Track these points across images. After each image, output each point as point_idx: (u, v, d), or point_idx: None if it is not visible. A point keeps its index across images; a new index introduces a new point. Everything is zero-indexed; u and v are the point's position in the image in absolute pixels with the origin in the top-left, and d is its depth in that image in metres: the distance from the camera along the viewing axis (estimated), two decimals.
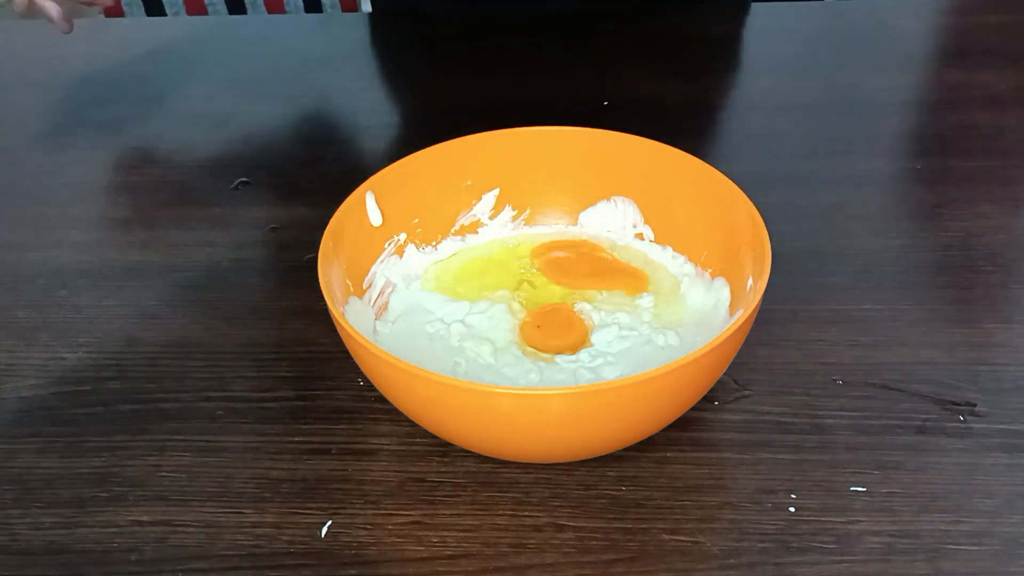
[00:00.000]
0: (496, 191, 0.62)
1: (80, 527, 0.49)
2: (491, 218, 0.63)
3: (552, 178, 0.62)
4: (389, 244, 0.59)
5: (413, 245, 0.60)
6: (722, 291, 0.56)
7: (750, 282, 0.52)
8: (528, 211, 0.63)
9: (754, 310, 0.46)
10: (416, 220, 0.60)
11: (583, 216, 0.63)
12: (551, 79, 0.87)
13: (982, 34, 0.93)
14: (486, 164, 0.61)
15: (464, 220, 0.62)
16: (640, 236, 0.62)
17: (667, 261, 0.60)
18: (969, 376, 0.55)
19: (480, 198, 0.62)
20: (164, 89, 0.90)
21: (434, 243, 0.62)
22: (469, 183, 0.62)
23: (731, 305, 0.55)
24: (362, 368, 0.49)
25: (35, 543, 0.49)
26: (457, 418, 0.47)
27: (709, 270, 0.58)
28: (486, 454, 0.51)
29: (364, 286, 0.57)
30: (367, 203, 0.57)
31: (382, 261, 0.59)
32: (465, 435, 0.49)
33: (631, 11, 0.94)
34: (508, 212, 0.63)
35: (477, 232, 0.63)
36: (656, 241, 0.61)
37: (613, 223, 0.63)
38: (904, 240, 0.67)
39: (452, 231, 0.62)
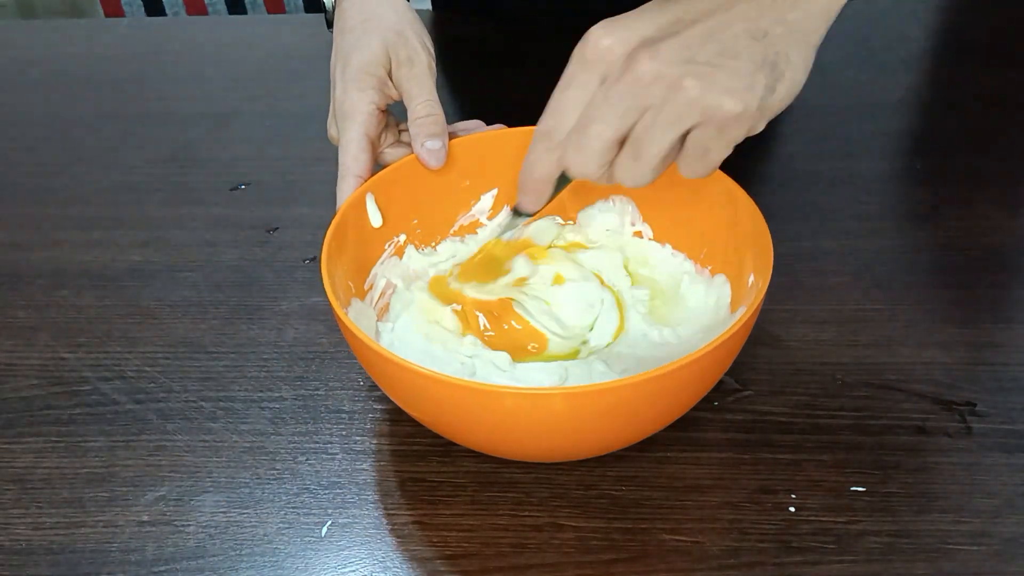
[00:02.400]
0: (495, 191, 0.62)
1: (80, 527, 0.50)
2: (489, 218, 0.63)
3: None
4: (389, 245, 0.59)
5: (413, 246, 0.60)
6: (723, 288, 0.56)
7: (751, 279, 0.52)
8: None
9: (757, 307, 0.46)
10: (415, 221, 0.60)
11: (581, 215, 0.63)
12: (551, 79, 0.87)
13: (982, 34, 0.93)
14: (484, 165, 0.61)
15: (463, 221, 0.62)
16: (639, 234, 0.62)
17: (666, 259, 0.61)
18: (969, 376, 0.55)
19: (479, 199, 0.62)
20: (164, 89, 0.90)
21: (433, 244, 0.61)
22: (467, 184, 0.61)
23: (732, 302, 0.55)
24: (367, 368, 0.49)
25: (35, 543, 0.49)
26: (459, 417, 0.47)
27: (709, 267, 0.58)
28: (490, 453, 0.51)
29: (365, 287, 0.57)
30: (367, 205, 0.57)
31: (382, 262, 0.58)
32: (467, 434, 0.49)
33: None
34: (507, 212, 0.63)
35: (476, 232, 0.63)
36: (655, 239, 0.61)
37: (612, 222, 0.63)
38: (904, 240, 0.67)
39: (451, 232, 0.62)
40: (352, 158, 0.56)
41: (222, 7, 1.68)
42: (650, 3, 0.45)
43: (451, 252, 0.62)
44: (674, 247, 0.61)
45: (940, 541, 0.47)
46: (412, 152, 0.58)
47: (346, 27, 0.61)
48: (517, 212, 0.52)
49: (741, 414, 0.54)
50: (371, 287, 0.57)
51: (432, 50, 0.61)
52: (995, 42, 0.91)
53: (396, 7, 0.62)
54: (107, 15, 1.69)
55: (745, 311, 0.46)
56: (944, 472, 0.50)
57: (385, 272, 0.58)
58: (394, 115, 0.61)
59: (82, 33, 1.05)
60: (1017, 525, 0.47)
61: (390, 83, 0.59)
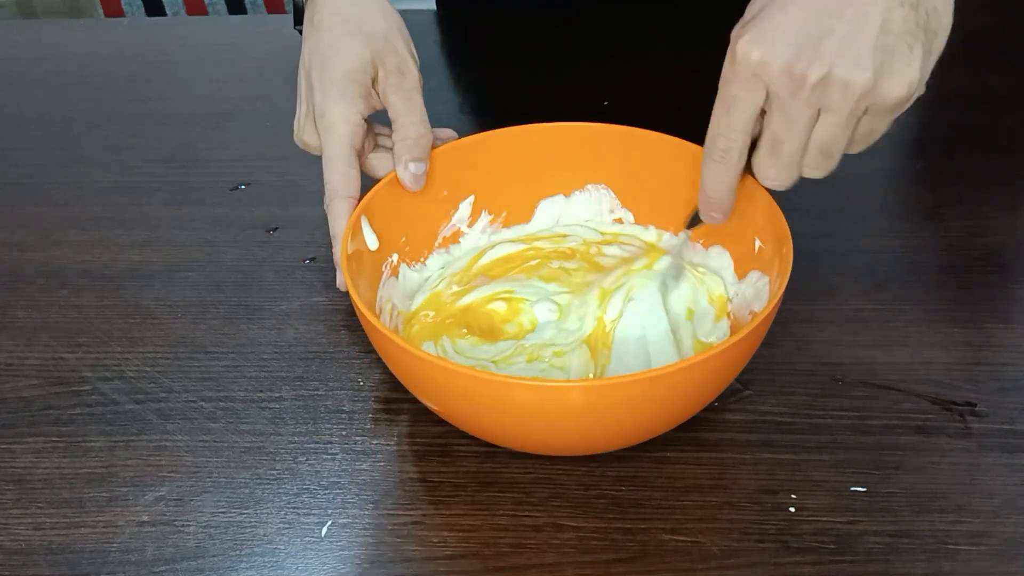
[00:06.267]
0: (471, 198, 0.61)
1: (80, 527, 0.50)
2: (470, 226, 0.62)
3: (523, 177, 0.62)
4: (385, 267, 0.58)
5: (405, 264, 0.59)
6: (723, 257, 0.56)
7: (758, 243, 0.53)
8: (504, 213, 0.63)
9: (784, 283, 0.48)
10: (404, 239, 0.59)
11: (559, 208, 0.63)
12: (555, 77, 0.87)
13: (982, 34, 0.93)
14: (460, 172, 0.60)
15: (446, 232, 0.62)
16: (619, 221, 0.62)
17: (652, 239, 0.61)
18: (969, 376, 0.55)
19: (457, 207, 0.61)
20: (164, 89, 0.90)
21: (422, 259, 0.61)
22: (446, 193, 0.61)
23: (737, 270, 0.55)
24: (395, 369, 0.49)
25: (35, 543, 0.49)
26: (480, 409, 0.47)
27: (701, 240, 0.58)
28: (506, 446, 0.51)
29: (377, 312, 0.56)
30: (363, 228, 0.55)
31: (383, 285, 0.57)
32: (482, 424, 0.49)
33: (631, 9, 0.94)
34: (485, 217, 0.62)
35: (459, 242, 0.62)
36: (638, 223, 0.62)
37: (590, 212, 0.63)
38: (904, 240, 0.67)
39: (436, 245, 0.61)
40: (340, 176, 0.54)
41: (222, 7, 1.68)
42: None
43: (439, 264, 0.61)
44: (659, 227, 0.61)
45: (940, 541, 0.47)
46: (392, 164, 0.57)
47: (324, 24, 0.58)
48: (695, 222, 0.53)
49: (741, 414, 0.54)
50: (380, 311, 0.56)
51: (417, 57, 0.59)
52: (995, 42, 0.91)
53: (382, 8, 0.59)
54: (107, 15, 1.69)
55: (777, 284, 0.48)
56: (944, 472, 0.50)
57: (388, 295, 0.57)
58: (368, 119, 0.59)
59: (82, 33, 1.05)
60: (1017, 525, 0.47)
61: (374, 92, 0.56)
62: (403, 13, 0.85)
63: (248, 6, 1.68)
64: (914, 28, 0.43)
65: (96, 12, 1.76)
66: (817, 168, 0.47)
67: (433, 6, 0.99)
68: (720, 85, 0.46)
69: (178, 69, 0.93)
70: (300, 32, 0.62)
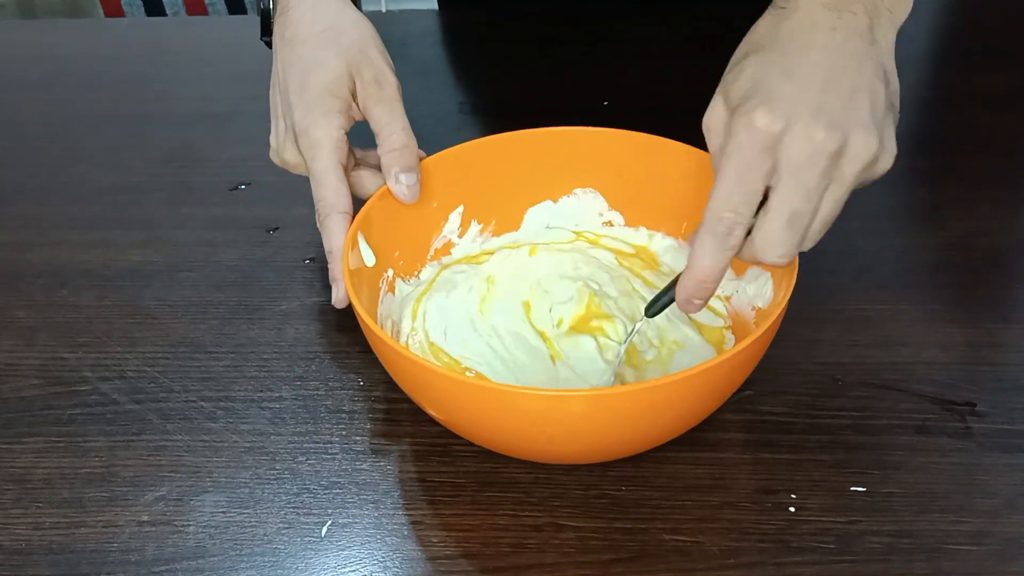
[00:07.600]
0: (460, 208, 0.61)
1: (80, 527, 0.50)
2: (460, 236, 0.62)
3: (510, 184, 0.61)
4: (382, 283, 0.57)
5: (400, 279, 0.59)
6: None
7: None
8: (494, 222, 0.63)
9: (791, 286, 0.47)
10: (397, 253, 0.59)
11: (548, 214, 0.63)
12: (550, 78, 0.87)
13: (982, 34, 0.93)
14: (448, 183, 0.60)
15: (437, 244, 0.61)
16: (609, 224, 0.62)
17: (643, 241, 0.61)
18: (969, 376, 0.55)
19: (447, 219, 0.61)
20: (164, 89, 0.90)
21: (416, 272, 0.60)
22: (435, 205, 0.60)
23: (734, 265, 0.55)
24: (400, 379, 0.49)
25: (35, 543, 0.49)
26: (478, 417, 0.47)
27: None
28: (505, 453, 0.51)
29: None
30: (360, 245, 0.55)
31: (382, 302, 0.57)
32: (478, 430, 0.49)
33: (631, 10, 0.94)
34: (475, 227, 0.62)
35: (450, 253, 0.62)
36: (628, 225, 0.62)
37: (580, 216, 0.63)
38: (904, 240, 0.67)
39: (428, 257, 0.61)
40: (333, 192, 0.53)
41: (222, 7, 1.68)
42: (774, 64, 0.44)
43: (432, 277, 0.60)
44: (649, 228, 0.61)
45: (940, 541, 0.47)
46: (380, 179, 0.56)
47: (297, 39, 0.57)
48: (660, 308, 0.49)
49: (741, 414, 0.54)
50: (381, 327, 0.55)
51: (392, 65, 0.57)
52: (995, 42, 0.91)
53: (354, 19, 0.58)
54: (107, 15, 1.70)
55: (777, 284, 0.48)
56: (944, 472, 0.50)
57: (387, 311, 0.57)
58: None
59: (82, 33, 1.05)
60: (1017, 525, 0.47)
61: (354, 105, 0.55)
62: (403, 13, 0.86)
63: (248, 6, 1.68)
64: (890, 105, 0.45)
65: (96, 12, 1.77)
66: (813, 240, 0.45)
67: (435, 6, 0.99)
68: (727, 157, 0.43)
69: (178, 69, 0.93)
70: (267, 44, 0.61)
